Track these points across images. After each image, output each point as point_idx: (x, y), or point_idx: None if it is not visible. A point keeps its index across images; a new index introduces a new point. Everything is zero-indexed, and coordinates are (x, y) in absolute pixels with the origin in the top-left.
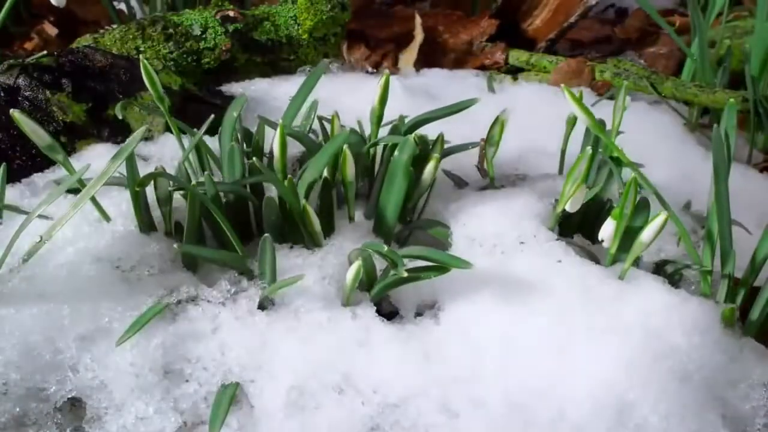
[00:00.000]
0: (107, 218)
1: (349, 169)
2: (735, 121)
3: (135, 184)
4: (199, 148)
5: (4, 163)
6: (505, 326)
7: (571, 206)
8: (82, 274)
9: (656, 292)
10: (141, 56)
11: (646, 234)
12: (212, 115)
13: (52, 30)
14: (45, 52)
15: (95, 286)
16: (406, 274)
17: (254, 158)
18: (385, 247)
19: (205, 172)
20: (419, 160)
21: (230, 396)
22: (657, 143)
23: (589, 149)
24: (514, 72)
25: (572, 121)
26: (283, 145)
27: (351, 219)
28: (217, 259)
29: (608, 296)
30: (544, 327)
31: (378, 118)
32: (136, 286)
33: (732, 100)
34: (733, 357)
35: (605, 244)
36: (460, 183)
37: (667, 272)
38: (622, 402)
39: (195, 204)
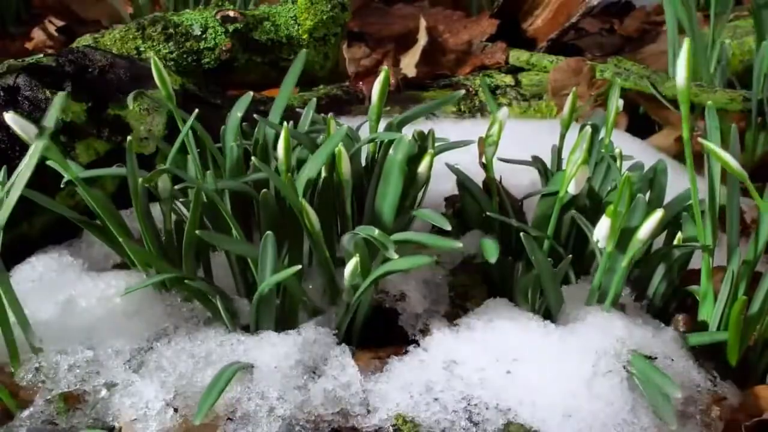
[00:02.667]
0: None
1: (345, 167)
2: (717, 122)
3: (135, 182)
4: (202, 148)
5: (4, 166)
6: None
7: (574, 188)
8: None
9: None
10: (152, 54)
11: (643, 231)
12: (196, 110)
13: (52, 30)
14: (45, 51)
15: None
16: (396, 256)
17: (254, 158)
18: (377, 231)
19: (207, 171)
20: (417, 158)
21: (220, 389)
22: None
23: (588, 128)
24: (515, 72)
25: (566, 123)
26: (287, 148)
27: (349, 217)
28: (231, 246)
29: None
30: None
31: (377, 115)
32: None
33: (710, 102)
34: None
35: (600, 244)
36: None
37: (674, 256)
38: None
39: (198, 200)
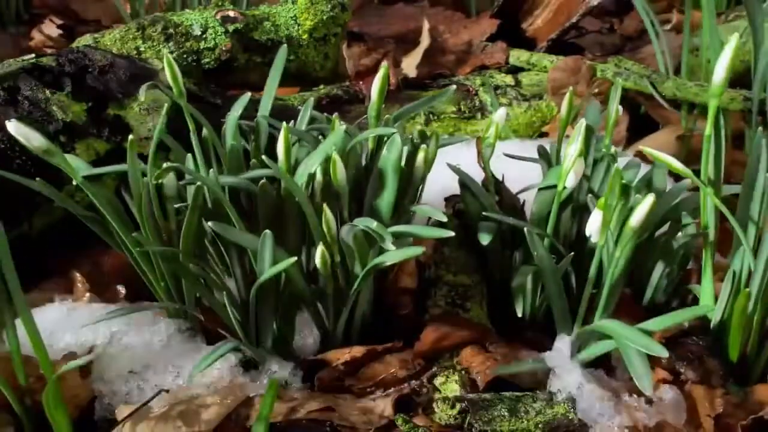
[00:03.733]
0: None
1: (339, 174)
2: (723, 122)
3: (137, 180)
4: (205, 147)
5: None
6: None
7: (572, 180)
8: None
9: None
10: (165, 51)
11: (635, 218)
12: (167, 104)
13: (52, 29)
14: (44, 52)
15: None
16: (393, 248)
17: (264, 156)
18: (375, 223)
19: (211, 169)
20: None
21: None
22: None
23: (583, 120)
24: (515, 72)
25: (564, 122)
26: (288, 148)
27: (347, 220)
28: (239, 238)
29: None
30: None
31: (377, 112)
32: None
33: (714, 102)
34: None
35: (593, 239)
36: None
37: (673, 248)
38: None
39: (198, 195)
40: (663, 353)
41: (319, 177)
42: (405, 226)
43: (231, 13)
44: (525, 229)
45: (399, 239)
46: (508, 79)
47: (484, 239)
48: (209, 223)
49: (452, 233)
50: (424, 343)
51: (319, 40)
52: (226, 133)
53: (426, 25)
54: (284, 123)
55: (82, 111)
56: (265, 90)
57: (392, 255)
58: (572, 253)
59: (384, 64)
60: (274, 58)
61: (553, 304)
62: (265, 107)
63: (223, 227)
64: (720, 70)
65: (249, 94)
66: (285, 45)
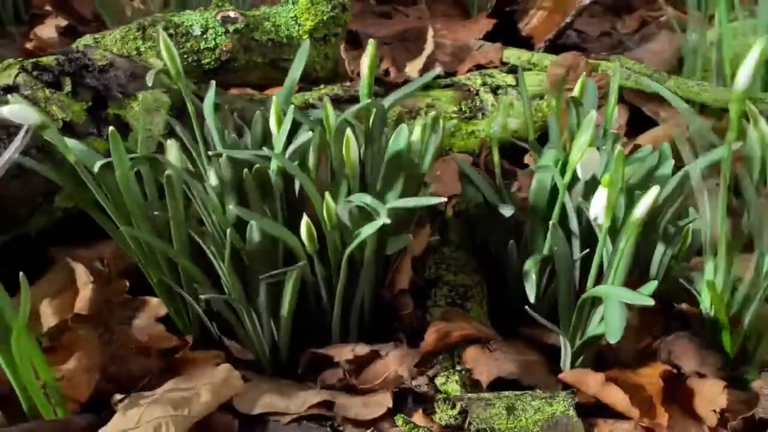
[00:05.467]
0: None
1: (353, 152)
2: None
3: (124, 171)
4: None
5: None
6: None
7: (583, 172)
8: None
9: None
10: (161, 31)
11: (640, 208)
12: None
13: (52, 29)
14: (44, 52)
15: None
16: (388, 221)
17: (285, 159)
18: (369, 198)
19: (223, 154)
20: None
21: None
22: None
23: (593, 113)
24: (515, 71)
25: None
26: (279, 120)
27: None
28: (261, 222)
29: None
30: None
31: (368, 89)
32: None
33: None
34: None
35: (599, 220)
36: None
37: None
38: None
39: (171, 183)
40: (648, 301)
41: (312, 159)
42: (399, 201)
43: (231, 14)
44: (551, 222)
45: (398, 234)
46: (509, 79)
47: (507, 212)
48: (230, 207)
49: (444, 199)
50: (428, 343)
51: (319, 41)
52: (207, 114)
53: (431, 32)
54: (274, 97)
55: (82, 110)
56: (284, 85)
57: (366, 229)
58: (588, 250)
59: (371, 41)
60: (274, 59)
61: (560, 295)
62: (288, 87)
63: (245, 211)
64: (743, 76)
65: (213, 82)
66: (307, 42)
